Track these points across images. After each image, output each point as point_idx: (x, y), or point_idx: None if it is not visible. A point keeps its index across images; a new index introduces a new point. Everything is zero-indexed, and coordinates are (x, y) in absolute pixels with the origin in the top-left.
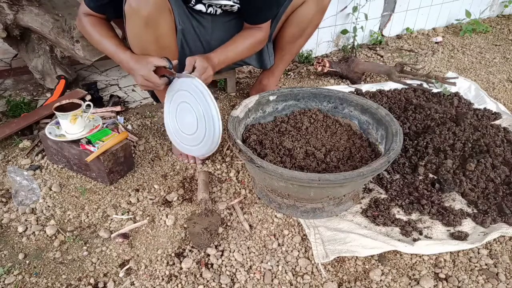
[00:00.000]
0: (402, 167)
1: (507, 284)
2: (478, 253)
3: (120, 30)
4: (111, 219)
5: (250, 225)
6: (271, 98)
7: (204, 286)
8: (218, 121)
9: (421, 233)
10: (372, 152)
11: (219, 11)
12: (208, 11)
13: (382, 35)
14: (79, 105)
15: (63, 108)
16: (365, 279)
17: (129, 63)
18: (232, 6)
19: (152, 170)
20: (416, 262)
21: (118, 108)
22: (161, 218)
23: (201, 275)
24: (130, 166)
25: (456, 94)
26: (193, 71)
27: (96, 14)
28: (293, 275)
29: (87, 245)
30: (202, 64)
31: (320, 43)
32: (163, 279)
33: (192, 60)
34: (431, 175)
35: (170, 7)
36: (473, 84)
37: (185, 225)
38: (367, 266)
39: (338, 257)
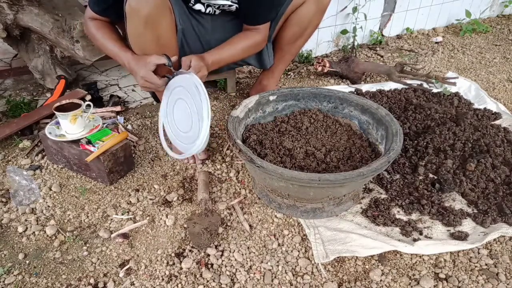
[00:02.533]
0: (402, 167)
1: (507, 284)
2: (478, 253)
3: (121, 31)
4: (111, 219)
5: (250, 225)
6: (271, 98)
7: (204, 286)
8: (208, 119)
9: (421, 233)
10: (372, 152)
11: (217, 11)
12: (207, 11)
13: (382, 35)
14: (79, 105)
15: (63, 108)
16: (365, 279)
17: (130, 64)
18: (230, 6)
19: (152, 170)
20: (416, 262)
21: (118, 108)
22: (161, 218)
23: (201, 275)
24: (130, 166)
25: (456, 94)
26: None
27: (101, 18)
28: (293, 275)
29: (87, 245)
30: (197, 63)
31: (320, 43)
32: (163, 279)
33: (188, 59)
34: (431, 175)
35: (170, 6)
36: (473, 84)
37: (185, 225)
38: (367, 266)
39: (338, 257)
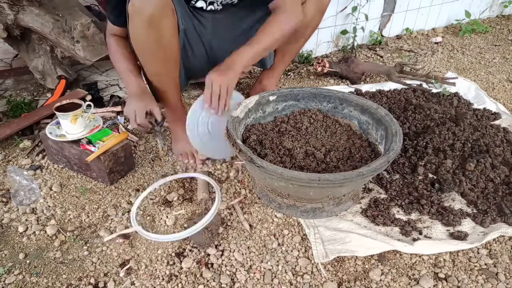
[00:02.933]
0: (402, 167)
1: (507, 284)
2: (478, 253)
3: None
4: (111, 219)
5: (250, 225)
6: (271, 98)
7: (204, 286)
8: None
9: (420, 233)
10: (372, 152)
11: (219, 7)
12: (208, 8)
13: (382, 35)
14: (79, 105)
15: (64, 108)
16: (365, 278)
17: (132, 98)
18: None
19: (152, 170)
20: (415, 262)
21: (118, 108)
22: (161, 218)
23: (201, 274)
24: (131, 166)
25: (456, 94)
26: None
27: (118, 31)
28: (293, 275)
29: (88, 245)
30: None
31: (320, 43)
32: (163, 279)
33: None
34: (430, 175)
35: (173, 7)
36: (473, 84)
37: (185, 225)
38: (367, 266)
39: (338, 257)
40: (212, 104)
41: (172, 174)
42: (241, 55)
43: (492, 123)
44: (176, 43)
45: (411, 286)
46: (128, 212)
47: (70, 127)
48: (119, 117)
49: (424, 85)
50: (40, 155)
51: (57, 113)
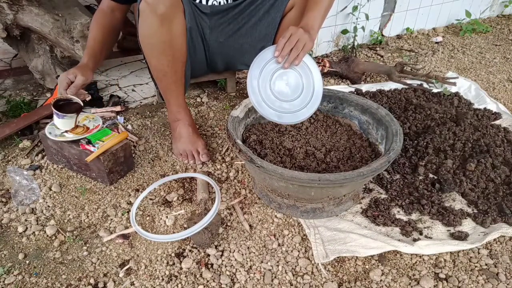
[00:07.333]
0: (402, 167)
1: (507, 284)
2: (478, 253)
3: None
4: (111, 219)
5: (250, 225)
6: None
7: (204, 286)
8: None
9: (421, 233)
10: (372, 152)
11: (224, 3)
12: (209, 3)
13: (382, 35)
14: (76, 103)
15: (61, 106)
16: (365, 279)
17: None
18: None
19: (152, 170)
20: (416, 262)
21: (118, 108)
22: (161, 218)
23: (201, 275)
24: (130, 166)
25: (456, 94)
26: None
27: (105, 4)
28: (293, 275)
29: (87, 245)
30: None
31: (320, 43)
32: (163, 279)
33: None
34: (431, 175)
35: (183, 6)
36: (473, 84)
37: (185, 225)
38: (367, 266)
39: (338, 257)
40: (284, 51)
41: (171, 174)
42: (316, 20)
43: (492, 123)
44: (185, 42)
45: (412, 287)
46: (127, 212)
47: (64, 126)
48: (118, 117)
49: (425, 85)
50: (40, 155)
51: (54, 111)
